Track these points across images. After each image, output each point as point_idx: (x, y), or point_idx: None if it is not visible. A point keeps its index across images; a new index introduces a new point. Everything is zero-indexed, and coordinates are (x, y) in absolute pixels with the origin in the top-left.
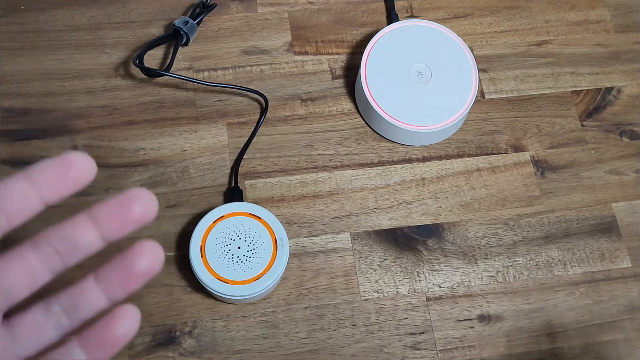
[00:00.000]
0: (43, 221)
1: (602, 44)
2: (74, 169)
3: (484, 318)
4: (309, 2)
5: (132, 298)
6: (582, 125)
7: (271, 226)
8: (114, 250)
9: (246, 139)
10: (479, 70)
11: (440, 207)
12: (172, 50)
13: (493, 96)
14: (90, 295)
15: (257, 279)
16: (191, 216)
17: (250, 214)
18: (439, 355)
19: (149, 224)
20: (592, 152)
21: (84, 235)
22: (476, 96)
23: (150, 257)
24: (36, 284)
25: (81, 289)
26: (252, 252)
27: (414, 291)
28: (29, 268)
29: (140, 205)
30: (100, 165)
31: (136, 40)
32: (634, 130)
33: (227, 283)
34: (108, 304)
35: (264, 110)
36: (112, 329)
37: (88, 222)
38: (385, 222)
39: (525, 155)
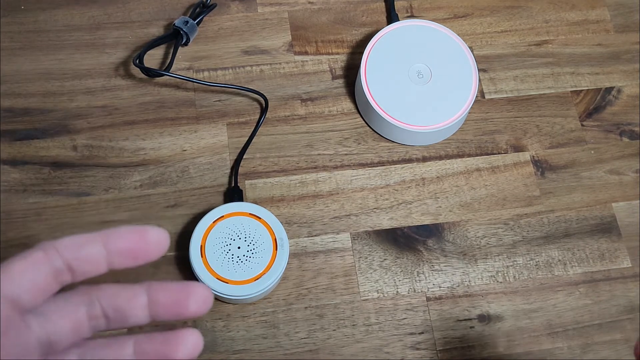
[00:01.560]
0: None
1: (602, 44)
2: (149, 245)
3: (484, 318)
4: (309, 2)
5: None
6: (582, 125)
7: (271, 226)
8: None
9: (246, 139)
10: (479, 70)
11: (440, 207)
12: (172, 50)
13: (493, 96)
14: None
15: (257, 279)
16: (191, 216)
17: (250, 214)
18: (439, 355)
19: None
20: (592, 152)
21: (136, 310)
22: (476, 96)
23: (191, 349)
24: (78, 338)
25: (115, 350)
26: (252, 252)
27: (414, 291)
28: (77, 322)
29: (197, 302)
30: (100, 165)
31: (136, 40)
32: (634, 130)
33: (227, 283)
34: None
35: (264, 110)
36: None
37: (144, 298)
38: (385, 222)
39: (525, 155)
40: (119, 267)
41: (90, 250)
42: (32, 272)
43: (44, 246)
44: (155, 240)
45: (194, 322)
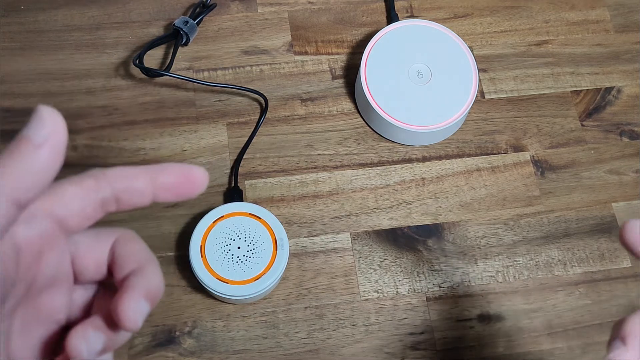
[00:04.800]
0: None
1: (602, 44)
2: (192, 184)
3: (484, 318)
4: (309, 2)
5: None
6: (582, 125)
7: (271, 226)
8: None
9: (246, 139)
10: (479, 70)
11: (440, 207)
12: (172, 50)
13: (493, 96)
14: (140, 190)
15: (257, 279)
16: (191, 216)
17: (250, 214)
18: (439, 355)
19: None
20: (592, 152)
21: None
22: (476, 96)
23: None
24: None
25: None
26: (252, 252)
27: (414, 291)
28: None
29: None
30: (100, 165)
31: (136, 40)
32: (633, 130)
33: (227, 283)
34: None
35: (264, 110)
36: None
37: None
38: (385, 222)
39: (525, 155)
40: (162, 200)
41: (139, 183)
42: (82, 198)
43: (96, 174)
44: (198, 179)
45: (193, 323)
